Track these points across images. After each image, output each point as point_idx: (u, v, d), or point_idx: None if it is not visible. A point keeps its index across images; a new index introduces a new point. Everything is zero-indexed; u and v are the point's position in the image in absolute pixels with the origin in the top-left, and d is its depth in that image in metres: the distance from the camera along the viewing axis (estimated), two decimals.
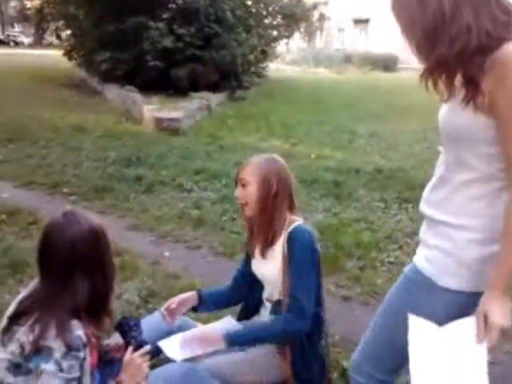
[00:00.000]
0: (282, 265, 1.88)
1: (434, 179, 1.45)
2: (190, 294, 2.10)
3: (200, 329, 2.00)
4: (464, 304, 1.37)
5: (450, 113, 1.33)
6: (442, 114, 1.37)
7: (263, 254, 1.94)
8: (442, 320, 1.36)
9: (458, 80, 1.28)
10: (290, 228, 1.89)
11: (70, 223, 1.48)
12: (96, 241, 1.51)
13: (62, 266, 1.47)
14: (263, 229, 1.91)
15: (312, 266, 1.87)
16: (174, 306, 2.02)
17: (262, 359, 1.90)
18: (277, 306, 1.95)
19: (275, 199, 1.88)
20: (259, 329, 1.92)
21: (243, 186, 1.89)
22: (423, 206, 1.47)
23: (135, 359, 1.61)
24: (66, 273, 1.46)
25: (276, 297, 1.96)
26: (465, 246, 1.33)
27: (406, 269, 1.55)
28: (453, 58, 1.24)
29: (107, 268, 1.56)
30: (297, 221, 1.92)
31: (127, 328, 1.70)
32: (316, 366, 1.97)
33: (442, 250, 1.37)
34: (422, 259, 1.43)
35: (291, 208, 1.95)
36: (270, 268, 1.94)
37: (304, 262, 1.85)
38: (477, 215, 1.32)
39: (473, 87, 1.23)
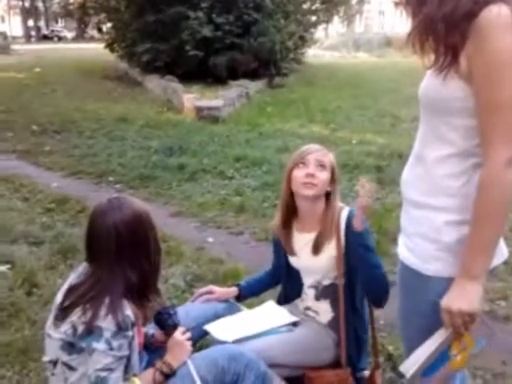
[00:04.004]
0: (337, 250, 1.88)
1: (410, 157, 1.36)
2: (231, 290, 2.14)
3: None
4: None
5: (429, 81, 1.25)
6: (422, 83, 1.30)
7: (316, 249, 1.92)
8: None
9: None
10: (346, 213, 1.89)
11: (113, 208, 1.52)
12: (138, 224, 1.53)
13: (107, 251, 1.51)
14: (325, 220, 1.91)
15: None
16: (209, 296, 2.07)
17: (310, 340, 1.91)
18: (327, 289, 1.96)
19: (336, 187, 1.92)
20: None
21: (322, 167, 1.87)
22: (401, 188, 1.37)
23: (178, 339, 1.67)
24: (112, 257, 1.50)
25: (326, 282, 1.96)
26: (443, 228, 1.24)
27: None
28: (440, 19, 1.16)
29: (152, 250, 1.58)
30: (342, 207, 1.93)
31: (166, 316, 1.75)
32: (366, 349, 1.98)
33: (420, 236, 1.28)
34: (404, 249, 1.35)
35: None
36: (322, 260, 1.92)
37: (370, 240, 1.85)
38: (453, 194, 1.23)
39: (452, 55, 1.16)
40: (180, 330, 1.71)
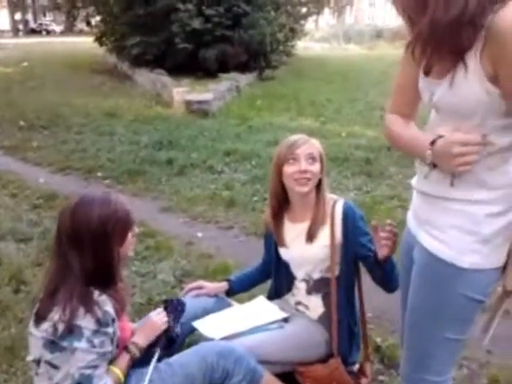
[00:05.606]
0: (330, 240, 1.89)
1: None
2: (221, 285, 2.15)
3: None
4: (491, 280, 1.30)
5: (452, 89, 1.20)
6: (439, 91, 1.24)
7: (310, 237, 1.93)
8: (475, 302, 1.31)
9: (446, 53, 1.18)
10: (341, 203, 1.92)
11: (78, 206, 1.52)
12: (88, 226, 1.50)
13: (58, 243, 1.52)
14: (317, 208, 1.92)
15: None
16: (199, 291, 2.09)
17: (300, 338, 1.91)
18: (318, 283, 1.97)
19: (324, 176, 1.94)
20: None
21: (313, 160, 1.88)
22: (423, 183, 1.36)
23: (152, 320, 1.71)
24: (66, 246, 1.50)
25: (317, 275, 1.97)
26: (483, 220, 1.25)
27: (404, 256, 1.50)
28: (446, 25, 1.11)
29: (101, 250, 1.52)
30: (337, 199, 1.96)
31: (170, 310, 1.80)
32: (357, 342, 2.00)
33: (457, 228, 1.28)
34: (434, 241, 1.33)
35: None
36: (315, 249, 1.93)
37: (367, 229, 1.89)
38: (493, 187, 1.24)
39: (459, 59, 1.14)
40: (160, 312, 1.77)
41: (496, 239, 1.26)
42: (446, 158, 1.20)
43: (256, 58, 12.68)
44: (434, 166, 1.26)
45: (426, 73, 1.27)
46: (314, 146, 1.91)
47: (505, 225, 1.26)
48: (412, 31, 1.18)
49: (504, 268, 1.29)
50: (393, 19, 29.30)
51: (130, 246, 1.60)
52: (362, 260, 1.90)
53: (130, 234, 1.58)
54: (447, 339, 1.36)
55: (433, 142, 1.22)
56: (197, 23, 11.61)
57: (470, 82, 1.15)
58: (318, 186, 1.93)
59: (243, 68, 12.05)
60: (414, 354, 1.45)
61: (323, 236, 1.91)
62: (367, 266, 1.89)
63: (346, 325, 1.92)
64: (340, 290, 1.92)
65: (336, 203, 1.92)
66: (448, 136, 1.20)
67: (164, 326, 1.73)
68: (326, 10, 27.22)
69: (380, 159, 5.44)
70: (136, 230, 1.64)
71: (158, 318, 1.74)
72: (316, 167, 1.88)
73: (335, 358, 1.88)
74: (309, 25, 23.88)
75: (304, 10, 18.67)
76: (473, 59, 1.14)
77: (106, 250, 1.52)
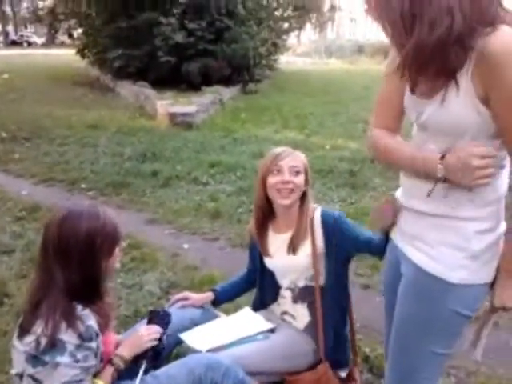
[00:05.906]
0: (312, 249, 1.91)
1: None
2: (207, 296, 2.14)
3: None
4: (480, 296, 1.33)
5: (443, 108, 1.20)
6: (429, 110, 1.24)
7: (293, 248, 1.94)
8: (464, 318, 1.33)
9: (433, 73, 1.18)
10: (319, 211, 1.94)
11: (66, 218, 1.49)
12: (72, 240, 1.47)
13: (43, 255, 1.49)
14: (300, 219, 1.94)
15: None
16: (185, 302, 2.08)
17: (287, 347, 1.91)
18: (303, 291, 1.97)
19: (309, 188, 1.96)
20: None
21: (297, 173, 1.91)
22: (411, 198, 1.36)
23: (140, 333, 1.68)
24: (50, 259, 1.47)
25: (302, 283, 1.98)
26: (472, 237, 1.27)
27: (389, 269, 1.52)
28: (432, 45, 1.11)
29: (86, 264, 1.50)
30: (315, 207, 1.98)
31: (156, 321, 1.77)
32: (344, 350, 2.00)
33: (447, 245, 1.29)
34: (423, 256, 1.34)
35: None
36: (298, 258, 1.94)
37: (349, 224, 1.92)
38: (482, 204, 1.26)
39: (450, 79, 1.15)
40: (150, 327, 1.73)
41: (485, 255, 1.28)
42: (464, 172, 1.18)
43: (239, 71, 12.78)
44: (443, 180, 1.24)
45: (413, 90, 1.27)
46: (299, 158, 1.93)
47: (494, 241, 1.28)
48: (400, 53, 1.19)
49: (492, 284, 1.31)
50: (374, 34, 29.80)
51: (116, 259, 1.59)
52: (362, 250, 1.91)
53: (117, 248, 1.57)
54: (435, 353, 1.37)
55: (442, 157, 1.22)
56: (179, 37, 11.67)
57: (462, 102, 1.16)
58: (303, 198, 1.95)
59: (226, 81, 12.12)
60: (400, 367, 1.45)
61: (306, 246, 1.93)
62: (369, 253, 1.89)
63: (332, 333, 1.93)
64: (326, 298, 1.92)
65: (314, 212, 1.95)
66: (464, 149, 1.18)
67: (152, 343, 1.69)
68: (308, 26, 27.62)
69: (364, 171, 5.50)
70: (123, 243, 1.62)
71: (147, 333, 1.70)
72: (300, 179, 1.90)
73: (322, 362, 1.88)
74: (291, 40, 24.20)
75: (286, 25, 18.89)
76: (464, 79, 1.15)
77: (93, 263, 1.50)
